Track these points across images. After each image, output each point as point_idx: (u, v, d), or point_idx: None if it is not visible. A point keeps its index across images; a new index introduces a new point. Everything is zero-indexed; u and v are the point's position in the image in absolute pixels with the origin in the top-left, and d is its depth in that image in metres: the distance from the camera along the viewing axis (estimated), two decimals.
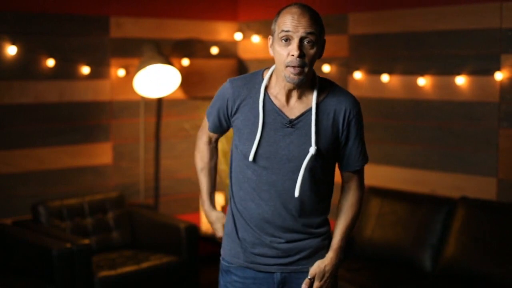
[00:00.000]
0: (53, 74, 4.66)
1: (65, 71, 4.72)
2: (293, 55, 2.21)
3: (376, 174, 4.75)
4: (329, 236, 2.46)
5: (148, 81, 4.90)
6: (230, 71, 5.55)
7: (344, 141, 2.36)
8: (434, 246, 4.11)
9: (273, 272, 2.41)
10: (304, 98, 2.33)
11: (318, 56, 2.30)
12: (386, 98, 4.68)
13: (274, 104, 2.32)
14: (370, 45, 4.75)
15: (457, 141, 4.36)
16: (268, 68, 2.39)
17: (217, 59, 5.48)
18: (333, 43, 4.88)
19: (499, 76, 4.11)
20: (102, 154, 4.96)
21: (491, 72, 4.15)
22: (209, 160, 2.59)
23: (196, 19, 5.35)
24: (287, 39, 2.22)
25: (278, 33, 2.24)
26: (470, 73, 4.26)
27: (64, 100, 4.75)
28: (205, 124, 2.55)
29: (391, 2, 4.63)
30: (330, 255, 2.42)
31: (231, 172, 2.46)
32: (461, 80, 4.29)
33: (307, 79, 2.29)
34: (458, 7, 4.29)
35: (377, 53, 4.72)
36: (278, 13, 2.28)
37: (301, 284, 2.41)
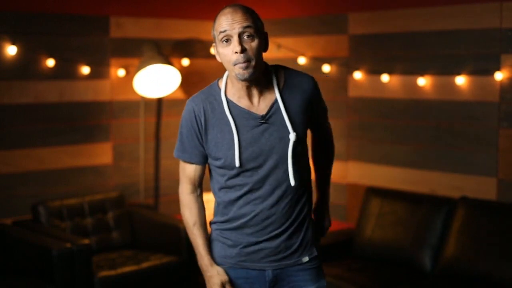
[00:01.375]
0: (53, 74, 4.66)
1: (65, 71, 4.72)
2: (236, 52, 2.26)
3: (376, 174, 4.75)
4: (312, 224, 2.48)
5: (148, 81, 4.90)
6: None
7: (315, 115, 2.47)
8: (434, 246, 4.11)
9: (265, 270, 2.42)
10: (266, 93, 2.36)
11: (264, 49, 2.34)
12: (386, 98, 4.68)
13: (240, 107, 2.35)
14: (370, 45, 4.75)
15: (457, 141, 4.36)
16: (221, 77, 2.42)
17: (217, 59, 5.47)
18: (333, 43, 4.88)
19: (499, 76, 4.12)
20: (102, 154, 4.96)
21: (491, 72, 4.15)
22: (198, 211, 2.46)
23: (196, 19, 5.35)
24: (227, 40, 2.28)
25: (218, 37, 2.30)
26: (470, 73, 4.26)
27: (64, 100, 4.75)
28: (183, 169, 2.46)
29: (391, 2, 4.63)
30: (321, 194, 2.63)
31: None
32: (461, 80, 4.29)
33: (258, 72, 2.32)
34: (458, 7, 4.29)
35: (377, 53, 4.72)
36: (214, 20, 2.35)
37: (292, 281, 2.43)
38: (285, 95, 2.36)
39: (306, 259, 2.44)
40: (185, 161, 2.44)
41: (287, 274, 2.43)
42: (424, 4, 4.46)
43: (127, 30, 4.99)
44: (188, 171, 2.44)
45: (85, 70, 4.79)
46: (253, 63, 2.27)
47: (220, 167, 2.39)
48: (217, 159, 2.38)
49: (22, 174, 4.59)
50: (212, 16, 5.84)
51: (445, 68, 4.38)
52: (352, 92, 4.84)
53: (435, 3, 4.41)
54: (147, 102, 5.11)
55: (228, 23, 2.27)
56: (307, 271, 2.45)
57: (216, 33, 2.31)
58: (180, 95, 5.29)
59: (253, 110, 2.35)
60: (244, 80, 2.29)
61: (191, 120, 2.37)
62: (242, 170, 2.35)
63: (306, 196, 2.45)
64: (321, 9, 4.96)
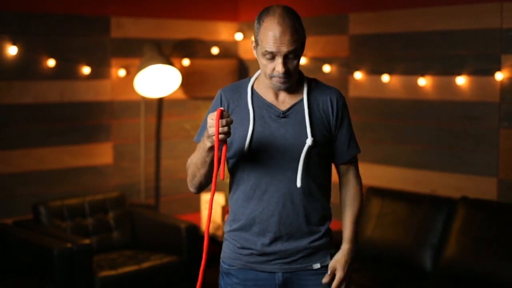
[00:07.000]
0: (54, 74, 4.67)
1: (65, 71, 4.73)
2: (278, 71, 2.27)
3: (376, 174, 4.75)
4: (329, 234, 2.45)
5: (149, 81, 4.90)
6: (230, 71, 5.55)
7: (335, 130, 2.41)
8: (434, 246, 4.11)
9: (275, 272, 2.40)
10: (294, 94, 2.39)
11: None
12: (386, 98, 4.68)
13: (265, 99, 2.38)
14: (370, 45, 4.75)
15: (457, 141, 4.36)
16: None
17: (217, 59, 5.48)
18: (333, 43, 4.88)
19: (499, 76, 4.12)
20: (102, 154, 4.96)
21: (491, 72, 4.15)
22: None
23: (197, 19, 5.35)
24: (272, 57, 2.27)
25: (261, 50, 2.28)
26: (470, 73, 4.26)
27: (65, 100, 4.75)
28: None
29: (391, 2, 4.63)
30: (346, 247, 2.44)
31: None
32: (461, 80, 4.29)
33: (293, 83, 2.35)
34: (458, 7, 4.30)
35: (377, 53, 4.73)
36: (258, 21, 2.30)
37: (303, 286, 2.40)
38: (310, 98, 2.39)
39: (317, 266, 2.42)
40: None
41: (298, 278, 2.41)
42: (424, 4, 4.46)
43: (128, 30, 5.00)
44: None
45: (86, 70, 4.79)
46: (292, 77, 2.31)
47: (232, 158, 2.39)
48: (231, 146, 2.37)
49: (23, 174, 4.60)
50: (212, 16, 5.86)
51: (445, 68, 4.38)
52: (353, 92, 4.84)
53: (435, 3, 4.41)
54: (147, 102, 5.11)
55: (276, 45, 2.23)
56: (318, 276, 2.42)
57: (260, 44, 2.28)
58: (181, 95, 5.30)
59: (276, 104, 2.37)
60: (279, 90, 2.34)
61: (217, 105, 2.42)
62: (252, 161, 2.34)
63: (322, 205, 2.41)
64: (321, 9, 4.96)
